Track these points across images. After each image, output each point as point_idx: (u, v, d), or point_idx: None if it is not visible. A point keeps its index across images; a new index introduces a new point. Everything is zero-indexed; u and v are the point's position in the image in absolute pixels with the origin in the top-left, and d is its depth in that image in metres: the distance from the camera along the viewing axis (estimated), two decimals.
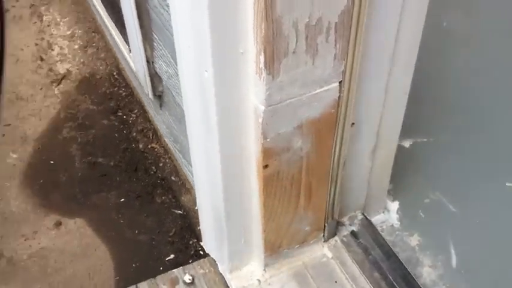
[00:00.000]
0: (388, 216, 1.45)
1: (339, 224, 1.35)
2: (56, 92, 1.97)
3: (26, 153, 1.79)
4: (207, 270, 1.32)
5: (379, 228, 1.40)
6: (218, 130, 0.98)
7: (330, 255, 1.31)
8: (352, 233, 1.35)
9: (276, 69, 0.91)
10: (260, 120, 0.96)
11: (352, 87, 1.04)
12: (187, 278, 1.30)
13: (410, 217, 1.46)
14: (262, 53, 0.88)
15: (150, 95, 1.75)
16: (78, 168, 1.81)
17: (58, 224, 1.68)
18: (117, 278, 1.60)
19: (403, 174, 1.51)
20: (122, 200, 1.76)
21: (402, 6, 1.01)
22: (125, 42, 1.74)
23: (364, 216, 1.38)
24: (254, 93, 0.95)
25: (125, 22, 1.65)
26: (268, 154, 1.03)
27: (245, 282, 1.26)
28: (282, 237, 1.22)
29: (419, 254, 1.38)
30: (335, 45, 0.95)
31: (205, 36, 0.86)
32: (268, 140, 1.00)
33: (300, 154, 1.08)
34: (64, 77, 2.01)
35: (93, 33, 2.15)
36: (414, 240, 1.41)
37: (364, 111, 1.14)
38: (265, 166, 1.04)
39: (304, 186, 1.14)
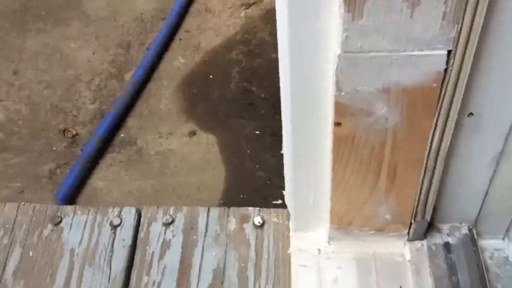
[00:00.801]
0: (507, 245, 1.18)
1: (434, 229, 1.15)
2: (242, 14, 2.02)
3: (193, 62, 1.90)
4: (280, 221, 1.26)
5: (487, 254, 1.16)
6: (290, 64, 0.88)
7: (408, 257, 1.13)
8: (446, 245, 1.13)
9: (357, 8, 0.76)
10: (335, 66, 0.84)
11: (466, 64, 0.83)
12: (258, 220, 1.26)
13: None
14: None
15: None
16: (231, 90, 1.86)
17: (192, 134, 1.76)
18: (221, 201, 1.64)
19: None
20: (257, 132, 1.77)
21: None
22: None
23: (471, 232, 1.15)
24: (335, 33, 0.82)
25: None
26: (341, 110, 0.90)
27: (304, 246, 1.17)
28: (353, 214, 1.09)
29: None
30: (445, 0, 0.76)
31: None
32: (343, 93, 0.87)
33: (385, 125, 0.92)
34: (255, 3, 2.05)
35: None
36: None
37: (489, 103, 0.91)
38: (338, 124, 0.91)
39: (386, 165, 0.98)
